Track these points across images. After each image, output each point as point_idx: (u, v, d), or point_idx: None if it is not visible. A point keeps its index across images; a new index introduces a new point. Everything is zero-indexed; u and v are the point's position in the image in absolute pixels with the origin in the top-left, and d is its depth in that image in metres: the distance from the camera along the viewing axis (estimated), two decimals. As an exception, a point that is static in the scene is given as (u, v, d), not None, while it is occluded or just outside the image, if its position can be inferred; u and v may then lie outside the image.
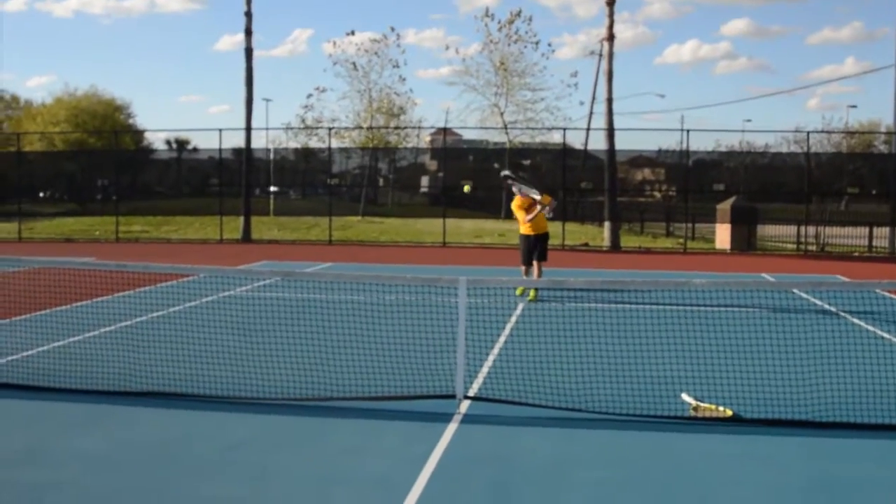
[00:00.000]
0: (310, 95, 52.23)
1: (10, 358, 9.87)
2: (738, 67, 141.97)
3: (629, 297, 15.42)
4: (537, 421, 7.66)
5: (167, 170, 48.98)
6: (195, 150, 48.54)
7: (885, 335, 11.87)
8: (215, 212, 33.29)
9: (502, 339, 11.28)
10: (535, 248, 15.95)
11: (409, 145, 52.35)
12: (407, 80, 63.06)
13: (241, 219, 31.65)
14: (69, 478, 6.16)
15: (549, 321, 12.32)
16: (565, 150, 35.82)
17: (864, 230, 31.04)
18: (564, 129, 43.64)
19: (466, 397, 8.06)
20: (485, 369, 9.49)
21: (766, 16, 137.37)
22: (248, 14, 31.23)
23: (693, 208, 33.94)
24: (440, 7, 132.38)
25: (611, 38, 30.24)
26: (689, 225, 33.12)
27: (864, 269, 24.17)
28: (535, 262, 15.90)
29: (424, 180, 62.89)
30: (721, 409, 8.05)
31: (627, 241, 32.42)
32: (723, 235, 31.51)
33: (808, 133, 32.98)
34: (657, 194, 44.31)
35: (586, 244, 31.30)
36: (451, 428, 7.41)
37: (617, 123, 30.01)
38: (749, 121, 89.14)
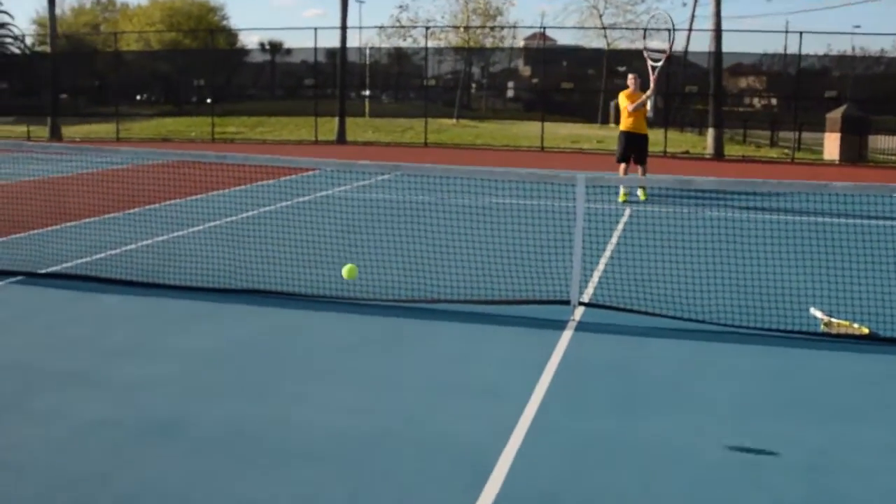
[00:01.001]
0: (404, -6, 51.41)
1: (110, 252, 9.74)
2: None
3: (748, 201, 14.76)
4: (656, 331, 7.21)
5: (260, 72, 48.74)
6: (288, 51, 48.25)
7: None
8: (309, 113, 33.08)
9: (612, 243, 10.79)
10: (634, 147, 15.49)
11: (505, 46, 51.15)
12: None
13: (336, 120, 31.34)
14: (169, 374, 5.94)
15: (660, 226, 11.75)
16: (671, 53, 34.40)
17: None
18: (670, 30, 41.95)
19: (581, 303, 7.63)
20: (596, 275, 9.04)
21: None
22: None
23: (800, 117, 32.54)
24: None
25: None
26: (797, 134, 31.75)
27: None
28: (636, 165, 15.55)
29: (512, 85, 61.73)
30: (856, 326, 7.49)
31: (730, 149, 31.29)
32: (831, 146, 30.16)
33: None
34: (756, 102, 42.73)
35: (687, 151, 30.34)
36: (566, 335, 7.01)
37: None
38: (858, 27, 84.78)
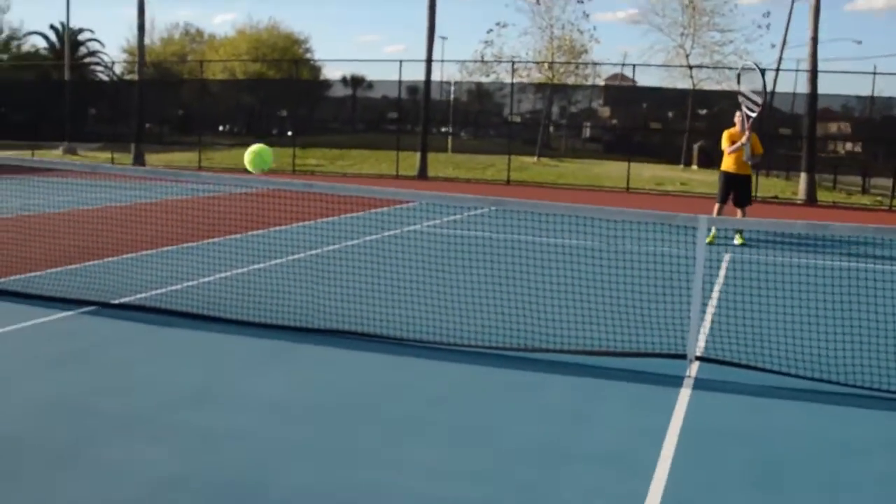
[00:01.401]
0: (490, 31, 51.31)
1: (186, 283, 9.25)
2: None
3: (853, 248, 13.85)
4: (780, 392, 6.44)
5: (342, 105, 48.69)
6: (370, 86, 48.13)
7: None
8: (390, 147, 32.76)
9: (716, 291, 10.00)
10: (735, 188, 14.81)
11: (588, 83, 50.50)
12: (590, 19, 60.89)
13: (418, 155, 30.91)
14: (242, 427, 5.32)
15: (764, 273, 10.95)
16: (767, 93, 33.63)
17: None
18: (763, 70, 41.12)
19: (698, 358, 6.89)
20: (705, 326, 8.29)
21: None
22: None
23: (894, 163, 31.29)
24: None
25: (820, -31, 27.74)
26: (893, 180, 30.49)
27: None
28: (736, 209, 14.83)
29: (590, 124, 61.04)
30: None
31: (821, 195, 30.14)
32: (932, 192, 28.92)
33: None
34: (842, 148, 41.35)
35: (776, 196, 29.28)
36: (684, 394, 6.29)
37: (803, 68, 27.71)
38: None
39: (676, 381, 6.54)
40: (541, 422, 5.63)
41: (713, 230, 14.75)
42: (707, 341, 7.62)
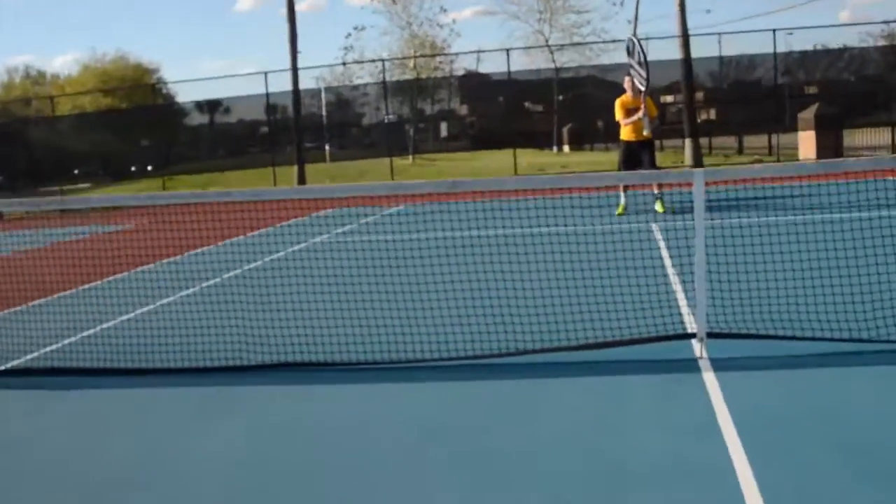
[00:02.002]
0: (349, 35, 50.36)
1: (83, 334, 7.88)
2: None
3: (785, 202, 13.26)
4: (801, 360, 5.60)
5: (202, 132, 46.94)
6: (227, 110, 46.41)
7: None
8: (263, 164, 31.36)
9: (669, 262, 9.12)
10: (639, 156, 14.16)
11: (450, 78, 49.93)
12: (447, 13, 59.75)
13: (295, 169, 29.57)
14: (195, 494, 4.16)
15: (734, 227, 10.24)
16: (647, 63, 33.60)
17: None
18: (641, 39, 41.10)
19: (710, 335, 5.94)
20: (680, 300, 7.42)
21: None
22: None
23: (765, 121, 31.55)
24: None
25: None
26: (773, 137, 30.70)
27: None
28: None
29: (468, 117, 60.49)
30: None
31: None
32: (807, 145, 29.11)
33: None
34: (715, 108, 41.66)
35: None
36: (710, 378, 5.36)
37: (653, 46, 27.70)
38: (790, 33, 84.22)
39: (691, 365, 5.63)
40: (569, 436, 4.62)
41: (622, 202, 14.20)
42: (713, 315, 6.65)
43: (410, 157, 41.80)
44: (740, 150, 35.72)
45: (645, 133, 14.05)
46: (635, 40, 14.68)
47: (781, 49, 30.40)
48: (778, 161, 28.70)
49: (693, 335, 5.93)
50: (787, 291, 6.75)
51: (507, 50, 30.70)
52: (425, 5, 48.03)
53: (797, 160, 28.92)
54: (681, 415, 4.81)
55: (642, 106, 13.91)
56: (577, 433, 4.66)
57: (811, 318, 6.17)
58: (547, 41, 45.79)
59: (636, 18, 59.38)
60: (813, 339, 5.88)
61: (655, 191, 14.12)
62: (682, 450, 4.30)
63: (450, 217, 8.44)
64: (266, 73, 29.08)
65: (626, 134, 14.36)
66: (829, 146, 28.38)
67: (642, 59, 13.92)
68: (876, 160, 5.93)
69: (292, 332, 6.80)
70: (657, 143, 21.56)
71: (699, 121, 36.03)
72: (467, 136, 52.90)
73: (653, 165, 14.29)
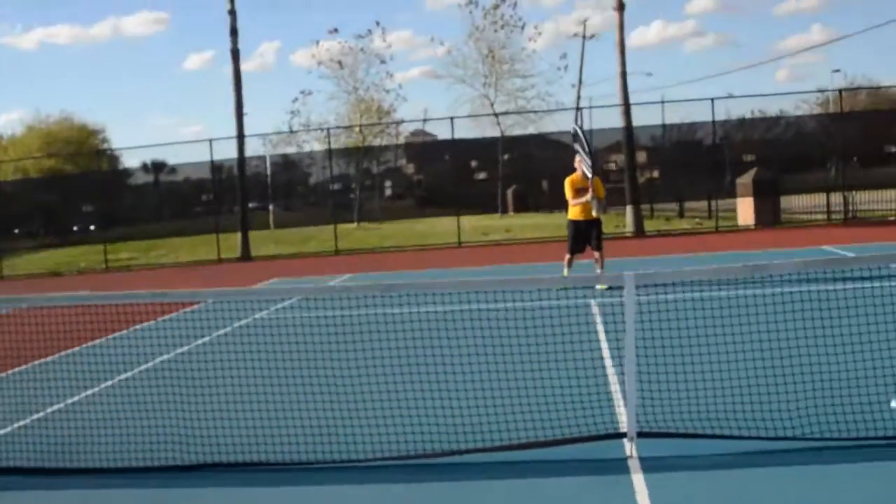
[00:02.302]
0: (295, 100, 50.45)
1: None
2: (706, 44, 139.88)
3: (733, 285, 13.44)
4: (736, 459, 5.72)
5: (147, 193, 46.66)
6: (173, 170, 46.21)
7: None
8: (207, 230, 31.25)
9: (605, 352, 9.14)
10: (588, 235, 14.38)
11: (396, 144, 50.41)
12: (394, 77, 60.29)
13: (238, 236, 29.48)
14: None
15: (671, 322, 10.38)
16: (592, 152, 34.23)
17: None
18: (583, 108, 42.09)
19: (641, 434, 6.03)
20: (615, 392, 7.49)
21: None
22: (232, 12, 29.02)
23: (705, 186, 32.12)
24: (406, 7, 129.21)
25: (620, 6, 28.20)
26: (711, 202, 31.25)
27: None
28: (594, 252, 14.47)
29: (415, 180, 60.86)
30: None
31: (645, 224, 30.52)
32: (745, 210, 29.77)
33: (841, 91, 30.53)
34: (648, 175, 42.31)
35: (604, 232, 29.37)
36: (638, 480, 5.44)
37: (599, 104, 28.42)
38: (731, 95, 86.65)
39: (621, 466, 5.71)
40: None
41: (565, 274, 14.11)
42: (643, 414, 6.73)
43: (355, 221, 41.92)
44: (681, 214, 36.33)
45: (594, 213, 14.19)
46: (578, 129, 15.02)
47: (721, 115, 31.03)
48: (716, 225, 29.24)
49: (624, 434, 6.01)
50: (715, 387, 6.87)
51: (451, 118, 30.98)
52: (372, 70, 48.28)
53: (736, 224, 29.51)
54: (607, 523, 4.87)
55: (590, 188, 14.07)
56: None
57: (737, 416, 6.30)
58: (492, 104, 46.34)
59: (580, 83, 60.62)
60: (740, 437, 5.99)
61: (598, 270, 14.23)
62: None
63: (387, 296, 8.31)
64: (211, 141, 29.14)
65: (574, 213, 14.47)
66: (767, 211, 29.04)
67: (587, 147, 14.27)
68: (804, 263, 6.10)
69: (226, 427, 6.77)
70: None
71: (643, 180, 36.77)
72: (414, 195, 53.23)
73: (599, 243, 14.45)
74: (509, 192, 43.97)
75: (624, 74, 28.18)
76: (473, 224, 36.35)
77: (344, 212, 44.13)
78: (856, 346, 7.15)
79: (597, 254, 14.44)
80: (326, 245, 30.53)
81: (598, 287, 13.87)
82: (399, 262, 23.68)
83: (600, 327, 10.51)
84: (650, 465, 5.68)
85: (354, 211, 44.07)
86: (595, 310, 11.86)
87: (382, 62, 48.32)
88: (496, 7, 45.81)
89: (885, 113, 39.54)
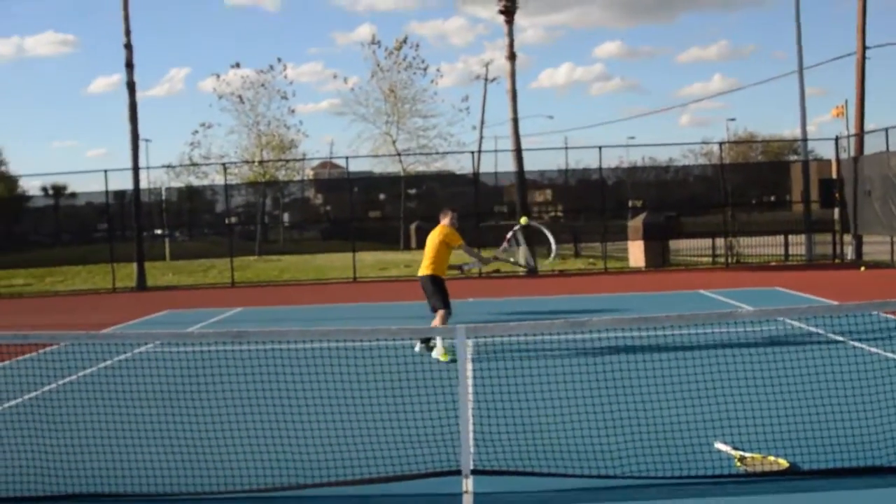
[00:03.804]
0: (195, 132, 50.16)
1: None
2: (612, 88, 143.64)
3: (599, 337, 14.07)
4: (563, 496, 6.23)
5: (45, 218, 45.94)
6: (73, 195, 45.66)
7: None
8: (102, 259, 31.05)
9: (471, 398, 9.58)
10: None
11: (297, 178, 50.55)
12: (295, 113, 60.52)
13: (135, 265, 29.39)
14: None
15: (515, 368, 10.94)
16: (477, 176, 35.03)
17: (780, 238, 30.74)
18: (474, 153, 42.81)
19: (475, 472, 6.52)
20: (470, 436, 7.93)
21: (635, 37, 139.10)
22: (129, 46, 29.05)
23: (602, 228, 33.14)
24: (317, 41, 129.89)
25: (512, 56, 29.20)
26: (604, 244, 32.19)
27: (789, 277, 23.54)
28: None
29: (312, 215, 60.99)
30: (772, 458, 6.76)
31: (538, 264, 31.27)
32: (636, 252, 30.83)
33: (721, 144, 32.41)
34: (546, 216, 43.33)
35: (498, 270, 30.00)
36: (468, 514, 5.92)
37: (501, 146, 29.31)
38: (633, 138, 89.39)
39: (456, 501, 6.16)
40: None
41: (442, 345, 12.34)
42: (479, 453, 7.21)
43: (256, 254, 41.99)
44: (577, 254, 37.29)
45: (466, 269, 14.04)
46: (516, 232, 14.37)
47: (615, 162, 32.10)
48: (605, 266, 30.15)
49: (459, 472, 6.47)
50: (549, 428, 7.42)
51: (347, 157, 31.51)
52: (273, 105, 48.45)
53: (628, 265, 30.50)
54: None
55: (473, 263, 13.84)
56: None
57: (568, 455, 6.83)
58: (394, 142, 46.94)
59: (482, 124, 61.87)
60: (567, 475, 6.51)
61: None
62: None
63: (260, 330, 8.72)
64: (106, 171, 29.11)
65: (443, 271, 12.90)
66: (657, 253, 30.13)
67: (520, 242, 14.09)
68: (616, 321, 6.71)
69: (85, 460, 7.05)
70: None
71: (547, 219, 37.68)
72: (319, 228, 53.36)
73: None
74: (412, 228, 44.50)
75: (515, 121, 29.09)
76: (375, 258, 36.77)
77: (247, 243, 44.18)
78: (678, 390, 7.83)
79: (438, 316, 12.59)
80: (225, 276, 30.62)
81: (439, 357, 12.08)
82: (294, 296, 23.94)
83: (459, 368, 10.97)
84: (482, 501, 6.14)
85: (256, 242, 44.12)
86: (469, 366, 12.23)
87: (284, 98, 48.54)
88: (399, 48, 46.50)
89: (766, 164, 41.58)
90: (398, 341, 11.62)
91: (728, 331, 10.46)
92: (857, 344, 11.08)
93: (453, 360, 11.55)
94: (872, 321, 8.74)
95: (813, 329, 12.75)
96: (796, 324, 13.39)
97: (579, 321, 6.43)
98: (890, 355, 10.50)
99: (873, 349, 10.68)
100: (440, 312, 12.38)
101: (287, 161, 47.84)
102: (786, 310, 6.90)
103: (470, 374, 10.71)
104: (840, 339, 11.64)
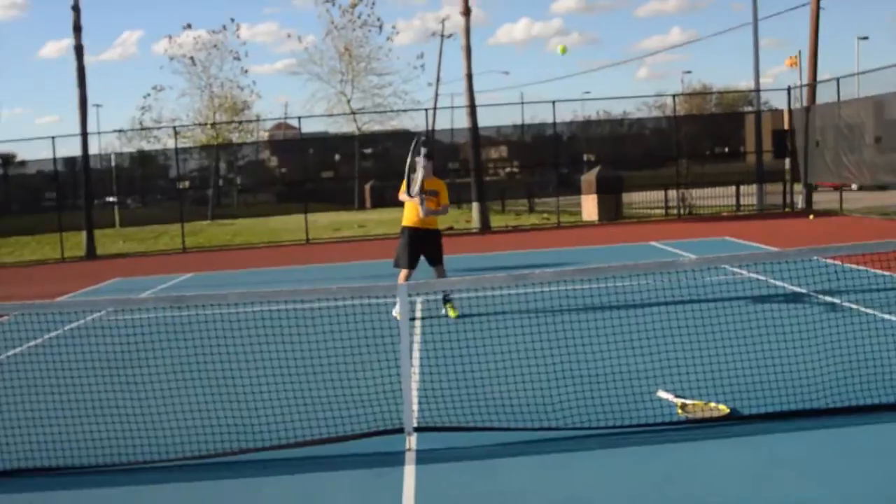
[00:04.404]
0: (147, 95, 49.50)
1: None
2: (570, 43, 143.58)
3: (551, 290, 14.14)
4: (507, 449, 6.26)
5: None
6: (22, 163, 44.94)
7: (832, 300, 10.89)
8: (51, 229, 30.59)
9: (416, 351, 9.63)
10: (423, 247, 12.05)
11: (251, 140, 50.08)
12: (249, 74, 59.82)
13: (84, 234, 29.02)
14: None
15: (460, 324, 10.97)
16: (430, 133, 34.90)
17: (732, 189, 30.98)
18: (428, 110, 42.60)
19: (417, 429, 6.54)
20: (414, 393, 7.92)
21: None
22: (76, 9, 28.41)
23: (557, 182, 33.22)
24: (273, 0, 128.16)
25: (467, 11, 28.98)
26: (557, 199, 32.26)
27: (740, 227, 23.78)
28: (434, 268, 12.14)
29: (265, 177, 60.45)
30: (713, 405, 6.84)
31: (493, 220, 31.34)
32: (589, 207, 30.93)
33: (674, 96, 32.60)
34: (502, 172, 43.29)
35: (451, 227, 29.98)
36: (409, 471, 5.93)
37: (457, 104, 29.16)
38: (588, 92, 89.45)
39: (398, 459, 6.17)
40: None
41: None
42: (422, 409, 7.23)
43: (209, 218, 41.65)
44: (531, 210, 37.38)
45: (423, 216, 11.96)
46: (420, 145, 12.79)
47: (568, 117, 32.14)
48: (558, 221, 30.25)
49: (402, 430, 6.47)
50: (493, 383, 7.47)
51: (300, 118, 31.33)
52: (226, 66, 47.89)
53: (581, 220, 30.62)
54: (370, 510, 5.33)
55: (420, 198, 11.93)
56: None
57: (510, 409, 6.89)
58: (349, 101, 46.59)
59: (438, 81, 61.54)
60: (509, 429, 6.54)
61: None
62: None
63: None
64: (53, 138, 28.66)
65: (410, 219, 12.13)
66: (610, 207, 30.25)
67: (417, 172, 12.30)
68: (558, 273, 6.73)
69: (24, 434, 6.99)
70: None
71: (504, 175, 37.72)
72: (274, 191, 52.97)
73: (438, 259, 12.20)
74: (367, 188, 44.30)
75: (469, 77, 28.96)
76: (330, 219, 36.60)
77: (200, 208, 43.77)
78: (622, 342, 7.91)
79: (437, 272, 12.13)
80: (176, 242, 30.33)
81: (448, 314, 11.94)
82: (246, 260, 23.78)
83: (417, 333, 10.98)
84: (424, 458, 6.17)
85: (209, 206, 43.74)
86: (418, 316, 12.16)
87: (237, 59, 47.99)
88: (354, 6, 46.03)
89: (720, 115, 41.99)
90: (341, 301, 11.57)
91: (671, 280, 10.56)
92: (796, 289, 11.26)
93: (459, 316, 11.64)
94: (812, 266, 8.81)
95: (754, 276, 12.92)
96: (738, 271, 13.57)
97: (520, 275, 6.43)
98: (828, 299, 10.67)
99: (812, 294, 10.82)
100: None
101: (240, 123, 47.33)
102: (726, 257, 6.91)
103: (419, 332, 10.81)
104: (780, 284, 11.82)
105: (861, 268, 11.71)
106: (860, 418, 6.51)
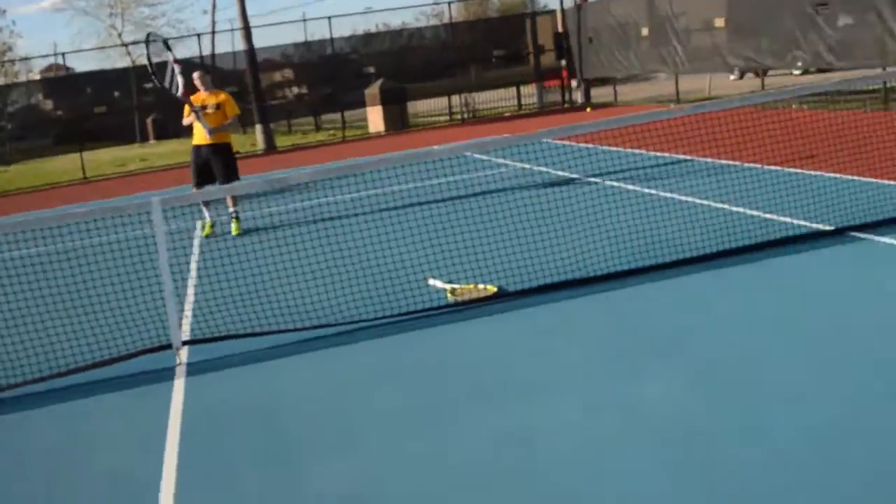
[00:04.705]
0: None
1: None
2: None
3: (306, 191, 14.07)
4: (279, 351, 6.27)
5: None
6: None
7: (572, 175, 11.32)
8: None
9: (193, 265, 9.51)
10: (208, 163, 11.47)
11: (22, 80, 47.39)
12: (7, 14, 55.99)
13: None
14: None
15: (240, 239, 10.83)
16: (213, 57, 33.93)
17: (513, 91, 31.64)
18: (200, 35, 41.13)
19: (185, 343, 6.43)
20: (189, 308, 7.80)
21: None
22: None
23: (341, 98, 33.06)
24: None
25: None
26: (342, 113, 32.15)
27: (520, 124, 24.39)
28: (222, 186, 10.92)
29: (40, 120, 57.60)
30: (482, 286, 7.03)
31: (280, 141, 30.95)
32: (375, 119, 31.02)
33: (449, 3, 32.82)
34: (290, 93, 42.69)
35: (237, 152, 29.38)
36: (178, 385, 5.84)
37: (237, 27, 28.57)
38: (369, 8, 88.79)
39: (168, 374, 6.06)
40: (31, 471, 4.90)
41: (207, 219, 11.73)
42: (197, 322, 7.11)
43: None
44: (318, 128, 37.07)
45: (208, 135, 11.28)
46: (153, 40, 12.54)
47: (347, 32, 31.81)
48: (343, 136, 30.21)
49: (170, 346, 6.35)
50: (268, 290, 7.47)
51: (64, 53, 29.87)
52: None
53: (368, 132, 30.67)
54: (135, 429, 5.23)
55: (196, 112, 11.31)
56: (34, 466, 4.94)
57: (281, 313, 6.88)
58: (120, 34, 44.67)
59: (214, 7, 59.73)
60: (280, 331, 6.54)
61: (231, 208, 11.70)
62: (119, 468, 4.71)
63: None
64: None
65: (196, 137, 11.57)
66: (395, 118, 30.39)
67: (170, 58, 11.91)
68: (320, 172, 6.76)
69: None
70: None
71: (292, 97, 37.08)
72: (51, 134, 50.51)
73: (234, 174, 11.63)
74: (148, 121, 42.87)
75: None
76: (112, 155, 35.27)
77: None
78: (391, 237, 8.05)
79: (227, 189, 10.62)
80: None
81: (232, 231, 11.52)
82: (21, 205, 22.64)
83: (196, 244, 10.79)
84: (194, 370, 6.09)
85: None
86: (197, 227, 11.93)
87: (-9, -2, 45.11)
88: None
89: (497, 19, 43.04)
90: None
91: (430, 172, 10.63)
92: (539, 168, 11.72)
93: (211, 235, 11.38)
94: (547, 148, 9.17)
95: (500, 160, 13.37)
96: (502, 161, 13.98)
97: (278, 178, 6.36)
98: (560, 173, 11.22)
99: (548, 171, 11.31)
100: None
101: (2, 64, 44.64)
102: (470, 144, 7.07)
103: (196, 250, 10.62)
104: (527, 166, 12.27)
105: (617, 149, 12.23)
106: (619, 283, 6.84)
